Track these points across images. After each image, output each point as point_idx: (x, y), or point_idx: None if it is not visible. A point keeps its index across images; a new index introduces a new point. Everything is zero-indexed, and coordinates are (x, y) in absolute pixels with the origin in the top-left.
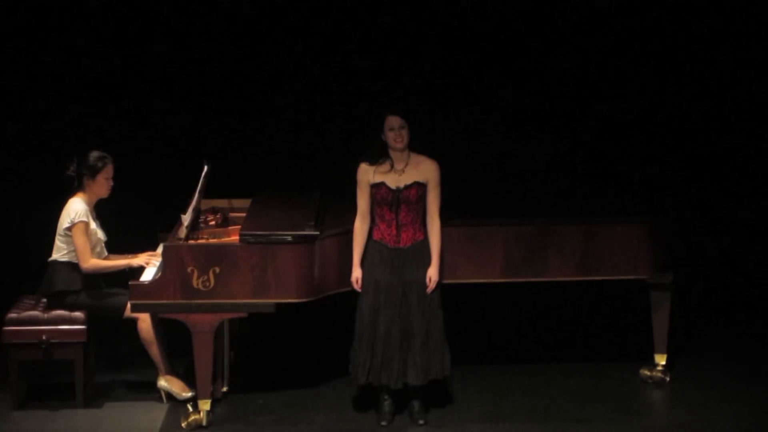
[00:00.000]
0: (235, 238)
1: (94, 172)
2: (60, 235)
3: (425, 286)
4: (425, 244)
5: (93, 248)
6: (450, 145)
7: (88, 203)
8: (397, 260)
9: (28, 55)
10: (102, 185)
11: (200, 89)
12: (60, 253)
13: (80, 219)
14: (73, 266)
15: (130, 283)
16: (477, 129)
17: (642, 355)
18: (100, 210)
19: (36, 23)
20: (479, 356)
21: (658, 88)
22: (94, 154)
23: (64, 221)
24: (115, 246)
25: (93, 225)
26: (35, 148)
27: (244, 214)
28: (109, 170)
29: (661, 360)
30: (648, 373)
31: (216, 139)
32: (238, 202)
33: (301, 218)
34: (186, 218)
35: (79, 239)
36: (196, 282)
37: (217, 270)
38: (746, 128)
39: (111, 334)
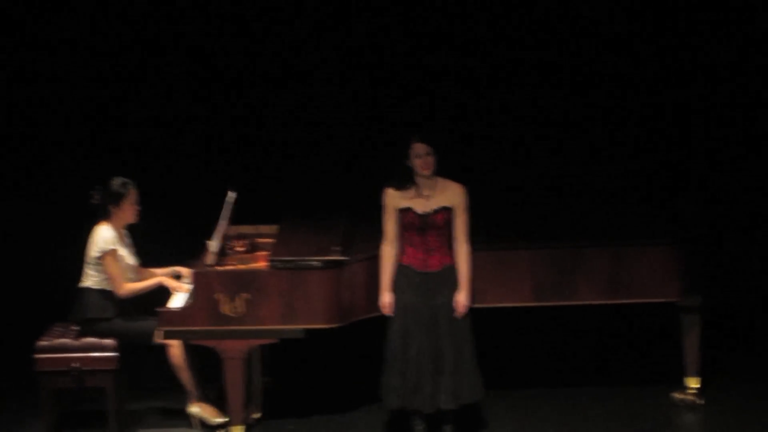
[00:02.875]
0: (262, 263)
1: (118, 199)
2: (89, 263)
3: (454, 311)
4: (454, 268)
5: (123, 274)
6: (476, 169)
7: (116, 229)
8: (425, 285)
9: (42, 83)
10: (128, 211)
11: (224, 113)
12: (92, 280)
13: (109, 247)
14: (104, 293)
15: (158, 309)
16: (503, 152)
17: (673, 378)
18: (133, 233)
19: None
20: (511, 380)
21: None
22: (116, 181)
23: (93, 250)
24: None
25: (121, 251)
26: (61, 173)
27: (271, 240)
28: (133, 196)
29: (691, 383)
30: (679, 397)
31: (241, 165)
32: (264, 228)
33: (329, 243)
34: (213, 244)
35: (111, 267)
36: (225, 308)
37: (247, 296)
38: None
39: (142, 361)
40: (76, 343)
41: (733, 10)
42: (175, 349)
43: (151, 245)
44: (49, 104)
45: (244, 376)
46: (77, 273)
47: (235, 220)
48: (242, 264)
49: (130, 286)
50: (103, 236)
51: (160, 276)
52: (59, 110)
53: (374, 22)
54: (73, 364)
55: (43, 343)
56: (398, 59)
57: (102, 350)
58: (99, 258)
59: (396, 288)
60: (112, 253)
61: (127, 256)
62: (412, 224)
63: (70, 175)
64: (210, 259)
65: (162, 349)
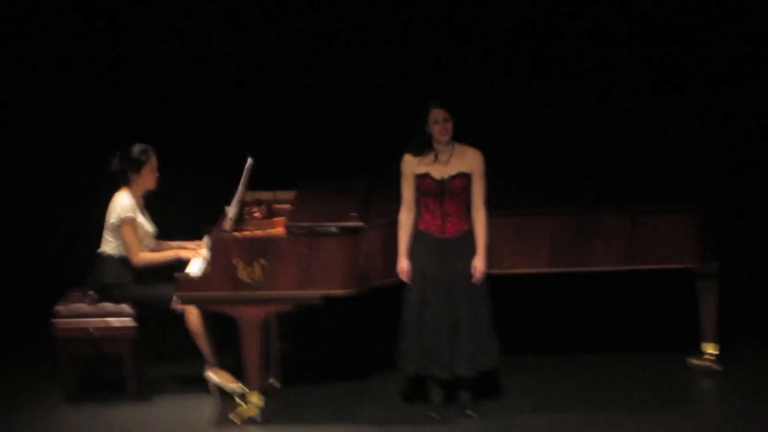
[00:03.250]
0: (280, 229)
1: (138, 166)
2: (108, 229)
3: (472, 277)
4: (471, 234)
5: (141, 241)
6: (494, 135)
7: (135, 197)
8: (443, 251)
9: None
10: (148, 178)
11: (241, 79)
12: (110, 245)
13: (127, 215)
14: (122, 259)
15: (176, 275)
16: (521, 118)
17: (691, 344)
18: (149, 201)
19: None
20: (528, 346)
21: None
22: (136, 148)
23: (111, 217)
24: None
25: (140, 218)
26: (78, 141)
27: (288, 206)
28: (153, 162)
29: (709, 349)
30: (697, 362)
31: (259, 130)
32: (282, 194)
33: (346, 209)
34: (231, 210)
35: (128, 235)
36: (242, 274)
37: (263, 262)
38: None
39: (160, 327)
40: (92, 308)
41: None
42: (193, 315)
43: (170, 211)
44: (69, 66)
45: (261, 343)
46: (94, 239)
47: (252, 185)
48: (260, 230)
49: (146, 256)
50: (122, 203)
51: (175, 249)
52: (78, 71)
53: None
54: (91, 330)
55: (60, 308)
56: (417, 26)
57: (119, 316)
58: (117, 225)
59: (413, 254)
60: (130, 220)
61: (145, 223)
62: (430, 190)
63: (90, 139)
64: (227, 224)
65: (180, 316)
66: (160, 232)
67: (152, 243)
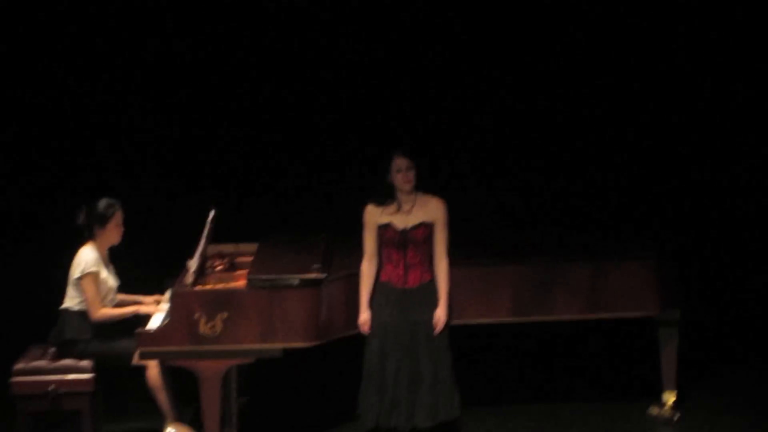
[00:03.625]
0: (242, 282)
1: (103, 220)
2: (71, 284)
3: (433, 327)
4: (433, 284)
5: (105, 297)
6: (456, 185)
7: (100, 251)
8: (404, 302)
9: (28, 107)
10: (113, 232)
11: (204, 132)
12: (73, 301)
13: (90, 269)
14: (84, 315)
15: (137, 331)
16: (481, 168)
17: (651, 393)
18: (114, 255)
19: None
20: (488, 397)
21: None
22: (102, 202)
23: (75, 271)
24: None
25: (104, 273)
26: (45, 196)
27: (251, 258)
28: (118, 217)
29: (669, 398)
30: (656, 412)
31: (222, 184)
32: (244, 247)
33: (308, 261)
34: (193, 264)
35: (89, 289)
36: (203, 328)
37: (225, 315)
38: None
39: (119, 383)
40: (52, 365)
41: None
42: (153, 370)
43: (132, 265)
44: (35, 119)
45: (220, 396)
46: (57, 295)
47: (215, 238)
48: (221, 283)
49: (106, 311)
50: (85, 258)
51: (134, 306)
52: (43, 125)
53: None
54: (50, 387)
55: (20, 365)
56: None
57: (78, 372)
58: (78, 279)
59: (374, 305)
60: (93, 275)
61: (110, 278)
62: (392, 240)
63: (56, 194)
64: (189, 278)
65: (140, 371)
66: (122, 285)
67: (116, 298)
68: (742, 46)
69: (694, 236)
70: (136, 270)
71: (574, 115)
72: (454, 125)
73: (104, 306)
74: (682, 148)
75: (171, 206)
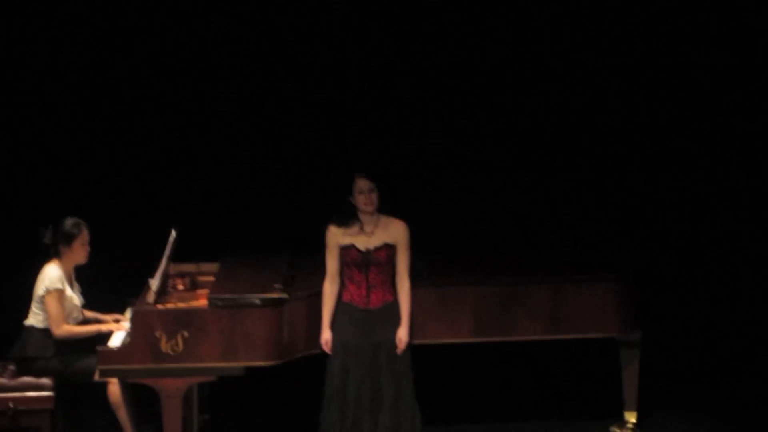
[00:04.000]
0: (203, 302)
1: (69, 239)
2: (35, 301)
3: (395, 347)
4: (395, 305)
5: (69, 314)
6: (417, 206)
7: (65, 269)
8: (366, 322)
9: None
10: (78, 252)
11: (166, 151)
12: (36, 318)
13: (54, 286)
14: (48, 333)
15: (98, 348)
16: (442, 188)
17: (611, 413)
18: (79, 273)
19: None
20: (450, 417)
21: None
22: (68, 222)
23: (39, 288)
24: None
25: (69, 291)
26: (10, 212)
27: (212, 278)
28: (84, 236)
29: (630, 417)
30: (618, 431)
31: (182, 203)
32: (206, 266)
33: (270, 280)
34: (154, 283)
35: (52, 307)
36: (164, 346)
37: (186, 334)
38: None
39: (78, 400)
40: (11, 382)
41: None
42: (114, 387)
43: (92, 284)
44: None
45: (182, 414)
46: (18, 312)
47: (176, 258)
48: (183, 302)
49: (68, 329)
50: (50, 275)
51: (96, 324)
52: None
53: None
54: (9, 404)
55: None
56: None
57: (38, 389)
58: (43, 296)
59: (336, 325)
60: (56, 292)
61: (74, 296)
62: (354, 261)
63: (17, 210)
64: (150, 297)
65: (100, 388)
66: (84, 304)
67: (81, 316)
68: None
69: (656, 253)
70: (96, 288)
71: (531, 122)
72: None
73: (69, 324)
74: (650, 160)
75: (131, 225)
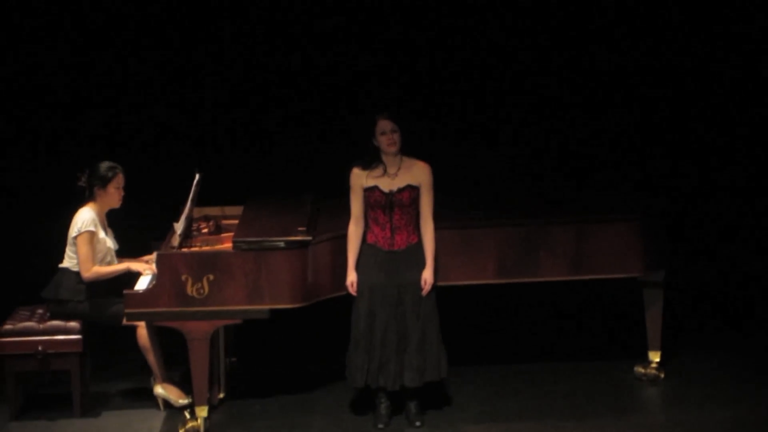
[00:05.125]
0: (228, 245)
1: (104, 182)
2: (69, 244)
3: (420, 289)
4: (419, 246)
5: (103, 258)
6: (441, 147)
7: (99, 213)
8: (391, 263)
9: (31, 66)
10: (113, 195)
11: (192, 97)
12: (71, 261)
13: (87, 228)
14: (80, 275)
15: (124, 291)
16: (465, 131)
17: (636, 353)
18: (111, 218)
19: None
20: (475, 357)
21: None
22: (104, 165)
23: (72, 230)
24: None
25: (102, 234)
26: (46, 156)
27: (236, 221)
28: (119, 180)
29: (654, 357)
30: (642, 371)
31: (207, 146)
32: (230, 210)
33: (294, 223)
34: (179, 226)
35: (83, 248)
36: (190, 290)
37: (211, 277)
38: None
39: (107, 343)
40: (40, 326)
41: None
42: (142, 330)
43: (119, 227)
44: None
45: (209, 357)
46: (52, 257)
47: (200, 201)
48: (207, 245)
49: (97, 269)
50: (83, 217)
51: (126, 262)
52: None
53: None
54: (38, 348)
55: (7, 326)
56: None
57: (66, 333)
58: (75, 238)
59: (361, 267)
60: (88, 234)
61: (108, 239)
62: (378, 203)
63: (52, 155)
64: (175, 240)
65: (129, 331)
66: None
67: (114, 260)
68: None
69: (681, 196)
70: (124, 234)
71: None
72: (440, 82)
73: (98, 265)
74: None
75: (156, 169)
